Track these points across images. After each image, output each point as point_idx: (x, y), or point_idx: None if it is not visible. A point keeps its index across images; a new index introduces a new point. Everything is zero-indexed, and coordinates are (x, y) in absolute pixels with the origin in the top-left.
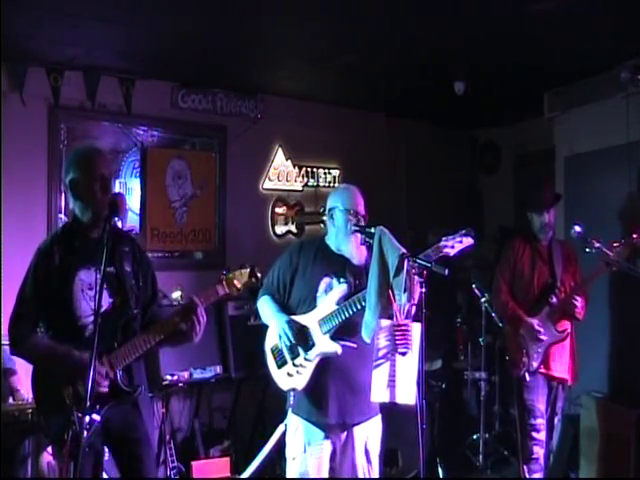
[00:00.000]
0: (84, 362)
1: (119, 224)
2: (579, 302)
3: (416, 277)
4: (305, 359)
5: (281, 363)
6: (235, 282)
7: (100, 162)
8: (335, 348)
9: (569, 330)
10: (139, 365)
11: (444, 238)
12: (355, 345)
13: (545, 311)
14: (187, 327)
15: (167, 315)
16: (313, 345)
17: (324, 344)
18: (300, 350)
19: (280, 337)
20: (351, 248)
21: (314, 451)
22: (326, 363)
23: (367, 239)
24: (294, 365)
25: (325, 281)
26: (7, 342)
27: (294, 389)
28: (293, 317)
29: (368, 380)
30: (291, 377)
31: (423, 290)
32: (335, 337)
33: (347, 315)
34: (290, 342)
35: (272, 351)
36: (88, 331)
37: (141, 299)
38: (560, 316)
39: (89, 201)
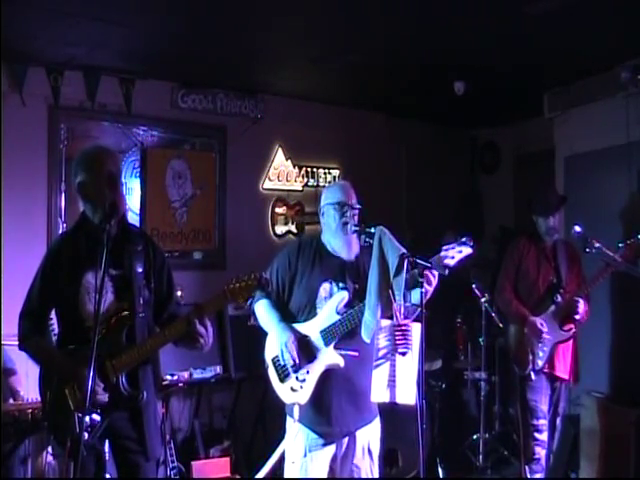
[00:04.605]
0: (79, 376)
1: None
2: (581, 304)
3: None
4: (308, 372)
5: (283, 376)
6: (243, 292)
7: (106, 161)
8: (338, 360)
9: (575, 330)
10: (145, 369)
11: (444, 248)
12: (357, 354)
13: (551, 310)
14: (190, 337)
15: (174, 320)
16: (315, 358)
17: (327, 357)
18: (303, 364)
19: (282, 352)
20: (341, 244)
21: (315, 455)
22: (328, 373)
23: (367, 239)
24: (297, 380)
25: (324, 287)
26: (7, 342)
27: (298, 404)
28: (294, 326)
29: (369, 385)
30: (295, 392)
31: (423, 290)
32: (336, 346)
33: (349, 326)
34: (293, 360)
35: (274, 363)
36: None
37: (152, 301)
38: (565, 316)
39: (98, 202)
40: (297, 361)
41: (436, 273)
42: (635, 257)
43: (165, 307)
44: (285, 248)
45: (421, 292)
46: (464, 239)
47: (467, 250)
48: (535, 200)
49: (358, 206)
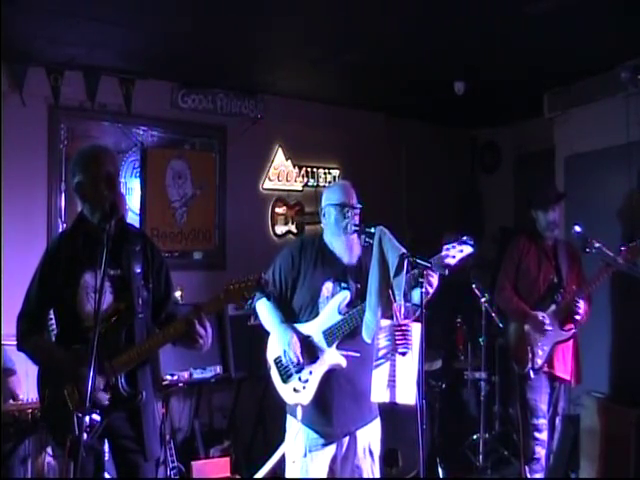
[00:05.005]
0: (79, 374)
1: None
2: (581, 305)
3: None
4: (311, 373)
5: (286, 377)
6: (242, 293)
7: (104, 161)
8: (341, 361)
9: (575, 329)
10: (144, 369)
11: (445, 247)
12: (358, 354)
13: (551, 310)
14: (189, 337)
15: (173, 320)
16: (318, 358)
17: (330, 357)
18: (306, 364)
19: (285, 353)
20: (342, 245)
21: (315, 455)
22: (329, 373)
23: (367, 239)
24: (300, 380)
25: (327, 286)
26: (7, 342)
27: (300, 404)
28: (296, 326)
29: (369, 386)
30: (297, 392)
31: (423, 290)
32: (338, 347)
33: (351, 326)
34: (297, 359)
35: (276, 363)
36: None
37: (150, 301)
38: (565, 316)
39: (97, 202)
40: (300, 360)
41: (436, 274)
42: (635, 259)
43: (163, 307)
44: (287, 247)
45: (421, 292)
46: (465, 238)
47: (468, 249)
48: (534, 194)
49: (359, 206)
